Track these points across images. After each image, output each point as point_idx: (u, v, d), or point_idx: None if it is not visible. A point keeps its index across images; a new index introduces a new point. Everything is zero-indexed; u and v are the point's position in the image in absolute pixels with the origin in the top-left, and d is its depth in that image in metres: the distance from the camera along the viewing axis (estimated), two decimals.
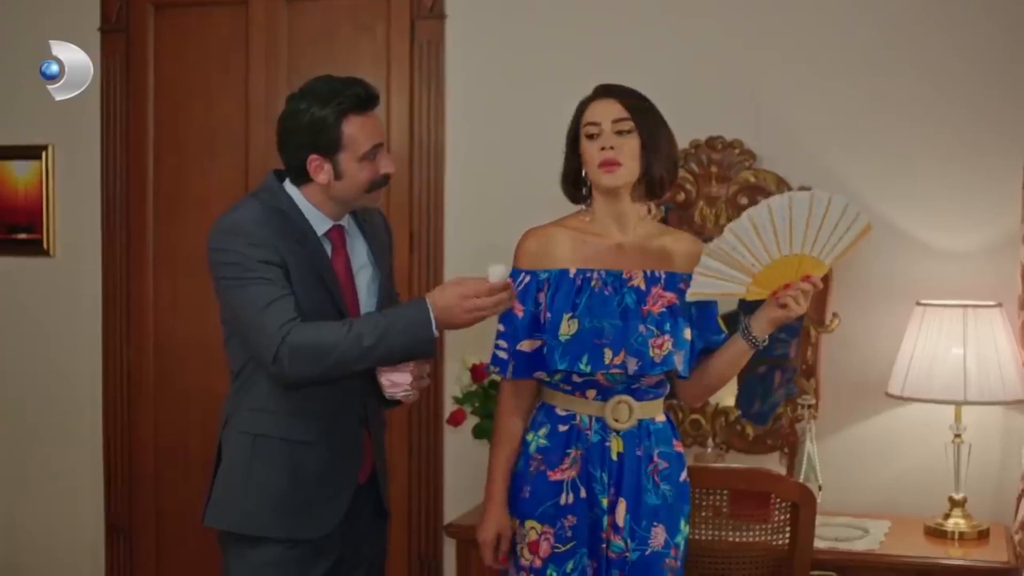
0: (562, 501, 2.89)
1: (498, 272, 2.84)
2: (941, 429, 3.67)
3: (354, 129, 2.92)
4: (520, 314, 2.90)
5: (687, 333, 2.93)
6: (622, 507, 2.89)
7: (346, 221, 3.08)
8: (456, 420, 3.92)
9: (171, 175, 4.63)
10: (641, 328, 2.87)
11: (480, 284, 2.83)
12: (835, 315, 3.88)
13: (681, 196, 4.00)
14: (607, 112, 2.93)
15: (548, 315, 2.90)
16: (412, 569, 4.34)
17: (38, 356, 4.75)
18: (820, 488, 3.66)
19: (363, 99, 2.94)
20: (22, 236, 4.74)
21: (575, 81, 4.02)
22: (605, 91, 2.99)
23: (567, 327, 2.88)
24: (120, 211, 4.64)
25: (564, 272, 2.92)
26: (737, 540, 3.30)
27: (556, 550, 2.89)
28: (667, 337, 2.89)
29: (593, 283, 2.90)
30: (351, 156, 2.93)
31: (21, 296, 4.77)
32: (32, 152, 4.70)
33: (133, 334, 4.66)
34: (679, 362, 2.92)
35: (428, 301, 2.85)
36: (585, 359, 2.86)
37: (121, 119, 4.62)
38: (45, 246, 4.71)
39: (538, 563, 2.91)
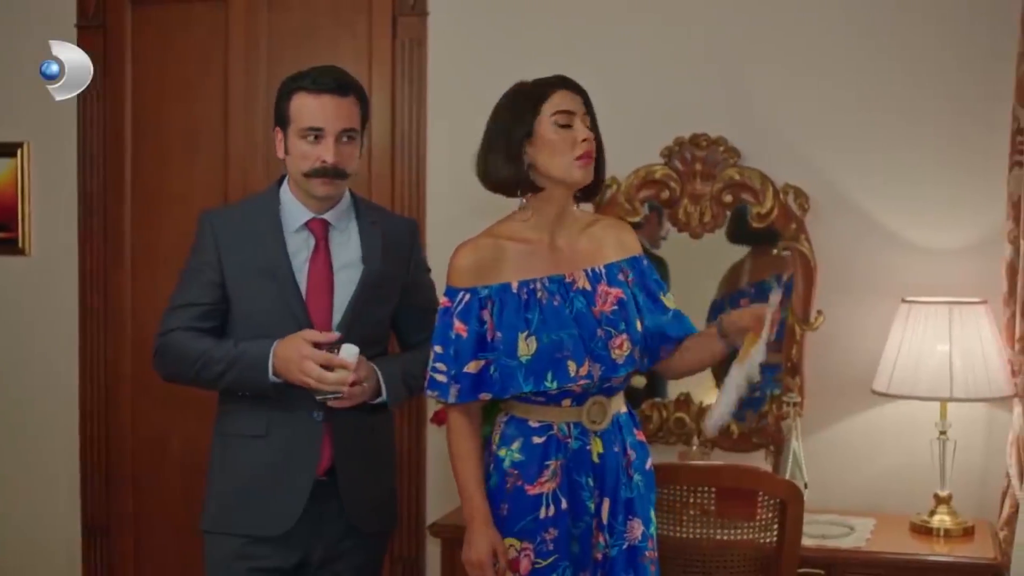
0: (542, 515, 2.81)
1: (349, 351, 2.92)
2: (926, 426, 3.67)
3: (298, 104, 3.02)
4: (464, 334, 2.79)
5: (639, 324, 2.89)
6: (606, 506, 2.85)
7: (333, 216, 3.08)
8: (440, 419, 3.88)
9: (149, 172, 4.58)
10: (599, 332, 2.82)
11: (322, 354, 2.90)
12: (819, 312, 3.87)
13: (666, 194, 3.99)
14: (575, 103, 2.85)
15: (498, 334, 2.80)
16: (394, 570, 4.30)
17: (13, 357, 4.69)
18: (806, 486, 3.65)
19: (316, 81, 3.02)
20: None
21: None
22: (569, 82, 2.90)
23: (526, 347, 2.79)
24: (98, 209, 4.59)
25: (506, 287, 2.82)
26: (724, 538, 3.28)
27: (537, 565, 2.81)
28: (624, 336, 2.84)
29: (539, 295, 2.82)
30: (294, 131, 3.03)
31: None
32: (7, 149, 4.64)
33: (111, 333, 4.61)
34: (639, 357, 2.90)
35: (273, 347, 2.93)
36: (550, 376, 2.79)
37: (98, 116, 4.57)
38: (20, 245, 4.66)
39: None
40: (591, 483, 2.83)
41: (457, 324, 2.81)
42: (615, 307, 2.86)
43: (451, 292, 2.84)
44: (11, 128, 4.62)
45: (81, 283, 4.62)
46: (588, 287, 2.86)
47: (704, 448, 3.94)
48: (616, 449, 2.87)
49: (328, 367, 2.91)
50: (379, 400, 3.04)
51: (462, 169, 4.21)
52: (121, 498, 4.63)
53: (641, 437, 2.98)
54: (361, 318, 3.06)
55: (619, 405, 2.92)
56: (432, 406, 4.00)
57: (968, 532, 3.61)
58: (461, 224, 4.15)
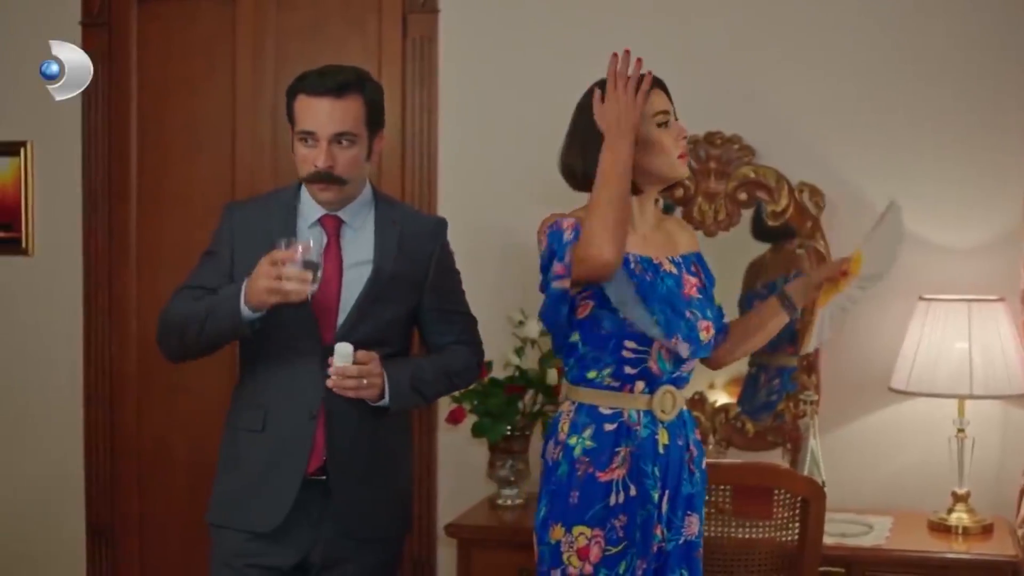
0: (612, 502, 2.81)
1: (342, 350, 2.87)
2: (943, 424, 3.68)
3: (298, 107, 2.99)
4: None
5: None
6: (666, 498, 2.86)
7: (348, 213, 3.04)
8: (455, 418, 3.88)
9: (154, 171, 4.54)
10: (688, 313, 2.87)
11: (287, 255, 2.80)
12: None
13: (680, 192, 3.98)
14: (667, 102, 2.90)
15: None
16: (404, 573, 4.27)
17: (17, 357, 4.64)
18: (823, 484, 3.64)
19: (313, 83, 2.97)
20: (0, 235, 4.63)
21: (570, 77, 4.00)
22: (660, 81, 2.91)
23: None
24: (102, 208, 4.54)
25: None
26: (745, 537, 3.28)
27: (607, 553, 2.81)
28: (709, 322, 2.91)
29: (632, 265, 2.84)
30: (295, 134, 3.00)
31: None
32: (10, 148, 4.58)
33: (115, 333, 4.56)
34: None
35: (247, 278, 2.89)
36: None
37: (103, 115, 4.52)
38: (23, 245, 4.61)
39: (588, 569, 2.81)
40: (656, 473, 2.84)
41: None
42: (699, 296, 2.93)
43: (556, 231, 2.80)
44: (14, 127, 4.57)
45: (85, 283, 4.57)
46: (675, 271, 2.91)
47: (720, 447, 3.94)
48: (680, 443, 2.90)
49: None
50: (381, 403, 2.99)
51: (473, 167, 4.25)
52: (126, 499, 4.59)
53: (699, 436, 3.01)
54: (367, 318, 3.02)
55: (683, 400, 2.94)
56: (445, 406, 3.97)
57: (987, 530, 3.62)
58: (472, 222, 4.18)
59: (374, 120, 3.03)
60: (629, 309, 2.79)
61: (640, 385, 2.85)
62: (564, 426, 2.88)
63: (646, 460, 2.84)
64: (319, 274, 2.84)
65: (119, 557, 4.60)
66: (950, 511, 3.65)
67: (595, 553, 2.81)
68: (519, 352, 3.93)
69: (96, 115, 4.52)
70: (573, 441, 2.85)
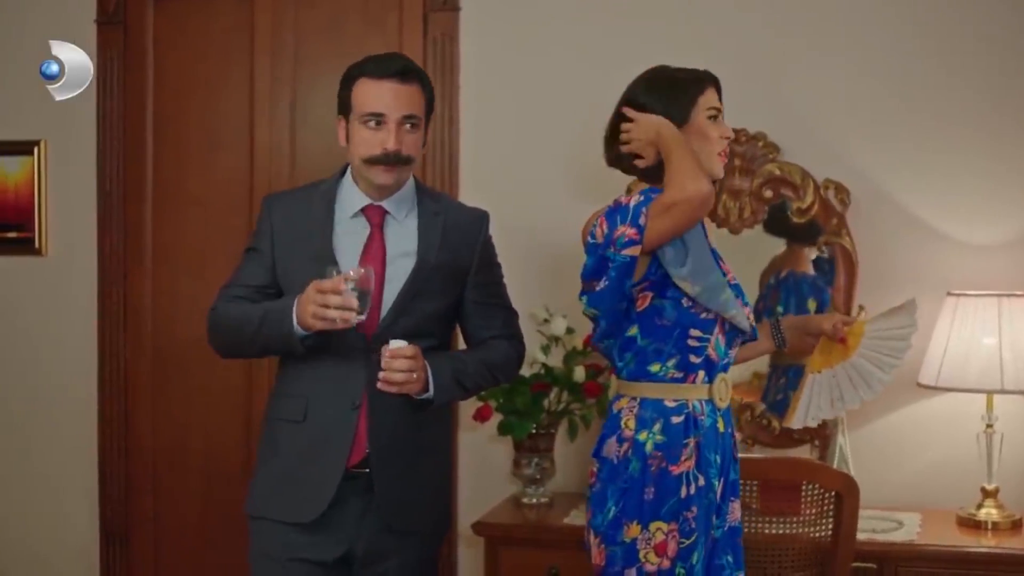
0: (683, 494, 2.80)
1: (397, 346, 2.86)
2: (971, 420, 3.67)
3: (360, 90, 2.97)
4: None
5: None
6: (720, 486, 2.87)
7: (392, 204, 3.03)
8: (483, 416, 3.86)
9: (170, 171, 4.51)
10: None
11: (333, 284, 2.79)
12: (861, 307, 3.84)
13: None
14: (719, 102, 2.94)
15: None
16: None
17: (30, 359, 4.60)
18: None
19: (378, 66, 2.97)
20: (12, 235, 4.58)
21: (593, 75, 4.03)
22: (716, 78, 2.97)
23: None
24: (116, 208, 4.50)
25: None
26: (777, 532, 3.27)
27: (681, 545, 2.79)
28: (748, 308, 2.93)
29: None
30: (355, 117, 2.98)
31: (12, 297, 4.61)
32: (24, 148, 4.54)
33: (130, 334, 4.52)
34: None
35: (296, 298, 2.88)
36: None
37: (118, 114, 4.48)
38: (37, 245, 4.56)
39: (666, 564, 2.79)
40: (718, 461, 2.85)
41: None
42: (736, 282, 2.92)
43: (616, 207, 2.80)
44: (27, 126, 4.53)
45: (99, 284, 4.53)
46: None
47: (746, 445, 3.92)
48: (729, 430, 2.92)
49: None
50: (424, 396, 2.97)
51: (494, 165, 4.23)
52: (141, 503, 4.55)
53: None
54: (408, 310, 3.00)
55: None
56: (471, 405, 3.94)
57: (1016, 525, 3.62)
58: (494, 219, 4.13)
59: (430, 107, 3.06)
60: (704, 273, 2.77)
61: (701, 375, 2.85)
62: (629, 423, 2.85)
63: (710, 449, 2.84)
64: (367, 302, 2.82)
65: (133, 560, 4.56)
66: (979, 506, 3.65)
67: (672, 547, 2.80)
68: (545, 350, 3.91)
69: (111, 114, 4.49)
70: (643, 437, 2.82)
